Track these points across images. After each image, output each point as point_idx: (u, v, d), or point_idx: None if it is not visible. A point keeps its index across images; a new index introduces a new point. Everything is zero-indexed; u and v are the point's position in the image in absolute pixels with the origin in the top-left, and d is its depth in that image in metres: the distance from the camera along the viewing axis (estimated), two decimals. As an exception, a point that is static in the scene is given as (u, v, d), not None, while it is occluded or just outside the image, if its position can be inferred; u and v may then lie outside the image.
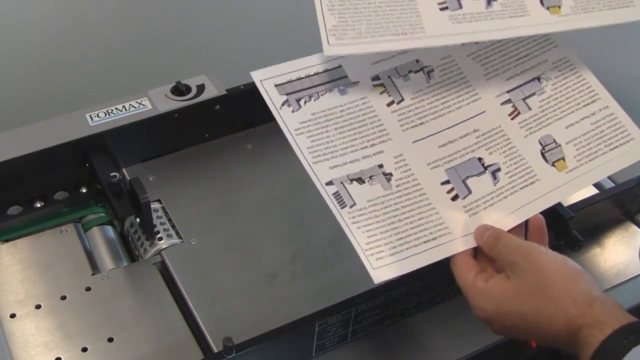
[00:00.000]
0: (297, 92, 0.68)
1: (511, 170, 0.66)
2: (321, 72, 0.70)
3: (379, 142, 0.68)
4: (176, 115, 0.86)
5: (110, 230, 0.84)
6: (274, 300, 0.75)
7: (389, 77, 0.70)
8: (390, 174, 0.66)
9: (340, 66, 0.70)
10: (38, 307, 0.74)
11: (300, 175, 0.88)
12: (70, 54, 1.19)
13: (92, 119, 0.83)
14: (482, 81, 0.70)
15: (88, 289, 0.76)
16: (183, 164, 0.89)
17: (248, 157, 0.91)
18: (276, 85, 0.69)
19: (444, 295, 0.77)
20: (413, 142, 0.68)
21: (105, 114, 0.84)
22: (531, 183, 0.66)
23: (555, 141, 0.67)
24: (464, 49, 0.71)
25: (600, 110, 0.68)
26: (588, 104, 0.69)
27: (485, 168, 0.67)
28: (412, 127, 0.69)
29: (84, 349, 0.71)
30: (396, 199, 0.65)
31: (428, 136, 0.68)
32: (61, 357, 0.70)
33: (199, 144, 0.91)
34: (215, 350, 0.70)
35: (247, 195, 0.86)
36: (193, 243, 0.81)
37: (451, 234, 0.64)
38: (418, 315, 0.76)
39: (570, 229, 0.75)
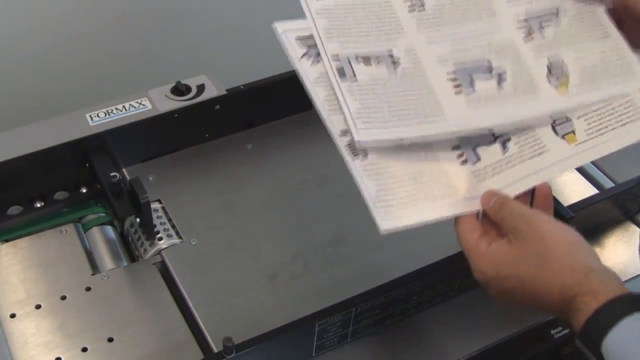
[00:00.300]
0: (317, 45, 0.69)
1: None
2: None
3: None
4: (176, 115, 0.86)
5: (110, 230, 0.84)
6: (274, 300, 0.75)
7: None
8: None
9: None
10: (38, 307, 0.74)
11: (301, 175, 0.89)
12: (71, 54, 1.19)
13: (92, 119, 0.83)
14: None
15: (88, 289, 0.76)
16: (183, 164, 0.89)
17: (248, 157, 0.91)
18: (298, 38, 0.71)
19: (444, 295, 0.77)
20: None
21: (105, 114, 0.84)
22: (540, 154, 0.66)
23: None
24: None
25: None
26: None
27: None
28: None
29: (84, 349, 0.71)
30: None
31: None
32: (61, 357, 0.70)
33: (199, 144, 0.91)
34: (215, 350, 0.70)
35: (247, 195, 0.86)
36: (193, 243, 0.81)
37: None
38: (418, 315, 0.76)
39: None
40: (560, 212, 0.75)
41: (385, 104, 0.65)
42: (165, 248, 0.80)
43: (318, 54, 0.69)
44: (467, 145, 0.67)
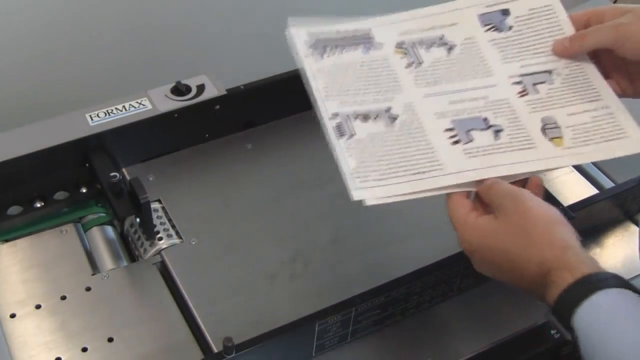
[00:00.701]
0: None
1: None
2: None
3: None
4: (176, 115, 0.86)
5: (110, 230, 0.84)
6: (274, 300, 0.75)
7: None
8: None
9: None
10: (38, 307, 0.74)
11: (301, 175, 0.89)
12: (71, 54, 1.19)
13: (92, 119, 0.83)
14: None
15: (88, 289, 0.76)
16: (183, 164, 0.89)
17: (248, 157, 0.91)
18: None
19: (444, 295, 0.77)
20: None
21: (105, 114, 0.84)
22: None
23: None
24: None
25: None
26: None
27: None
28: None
29: (84, 349, 0.71)
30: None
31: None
32: (61, 357, 0.70)
33: (199, 144, 0.91)
34: (215, 350, 0.70)
35: (247, 195, 0.86)
36: (193, 243, 0.81)
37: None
38: (418, 315, 0.76)
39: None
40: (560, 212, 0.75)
41: (383, 159, 0.67)
42: (165, 248, 0.80)
43: (323, 52, 0.73)
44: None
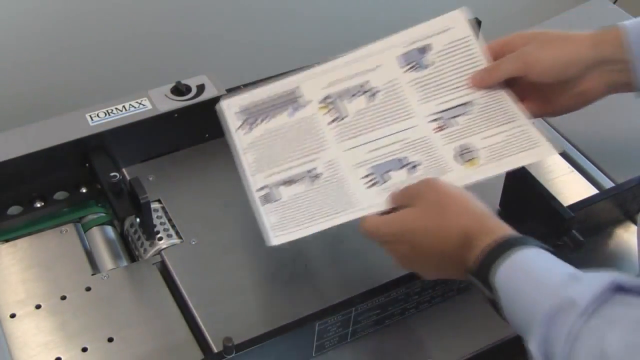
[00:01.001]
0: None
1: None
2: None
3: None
4: (176, 115, 0.86)
5: (110, 230, 0.84)
6: (274, 300, 0.75)
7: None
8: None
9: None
10: (38, 307, 0.74)
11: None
12: (71, 54, 1.19)
13: (92, 119, 0.83)
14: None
15: (88, 289, 0.76)
16: (183, 164, 0.89)
17: (248, 157, 0.91)
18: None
19: (444, 295, 0.77)
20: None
21: (105, 114, 0.84)
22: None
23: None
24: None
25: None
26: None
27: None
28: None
29: (84, 349, 0.71)
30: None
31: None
32: (61, 357, 0.70)
33: (199, 144, 0.91)
34: (215, 350, 0.70)
35: (247, 195, 0.86)
36: (193, 243, 0.81)
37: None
38: (418, 315, 0.76)
39: (570, 229, 0.75)
40: (560, 212, 0.75)
41: (302, 212, 0.72)
42: (165, 248, 0.80)
43: (252, 124, 0.78)
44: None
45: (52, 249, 0.79)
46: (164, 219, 0.83)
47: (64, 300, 0.75)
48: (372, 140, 0.77)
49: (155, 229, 0.81)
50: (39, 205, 0.82)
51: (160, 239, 0.80)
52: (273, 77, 0.91)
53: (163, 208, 0.84)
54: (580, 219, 0.76)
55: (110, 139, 0.83)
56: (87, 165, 0.83)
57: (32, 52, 1.16)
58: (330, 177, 0.75)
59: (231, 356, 0.64)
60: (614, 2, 1.38)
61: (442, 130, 0.77)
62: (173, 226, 0.82)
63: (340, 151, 0.77)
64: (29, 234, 0.81)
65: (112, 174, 0.79)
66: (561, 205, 0.77)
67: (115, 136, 0.83)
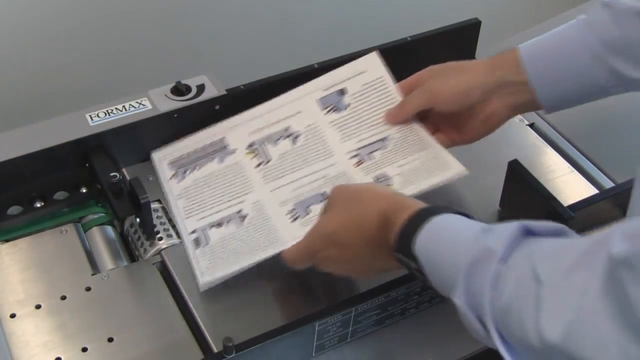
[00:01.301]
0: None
1: None
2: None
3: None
4: (176, 115, 0.86)
5: (110, 230, 0.84)
6: (274, 300, 0.75)
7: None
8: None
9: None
10: (38, 307, 0.74)
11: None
12: (71, 54, 1.19)
13: (92, 119, 0.83)
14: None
15: (88, 289, 0.76)
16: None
17: (248, 157, 0.91)
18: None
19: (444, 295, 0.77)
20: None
21: (105, 114, 0.84)
22: None
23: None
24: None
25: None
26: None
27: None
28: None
29: (84, 349, 0.71)
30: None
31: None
32: (61, 357, 0.70)
33: (199, 144, 0.91)
34: (215, 350, 0.70)
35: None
36: (193, 243, 0.81)
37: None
38: (418, 315, 0.76)
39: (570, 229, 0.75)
40: (560, 212, 0.75)
41: (230, 253, 0.76)
42: (165, 248, 0.80)
43: (184, 173, 0.83)
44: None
45: (52, 249, 0.79)
46: (164, 219, 0.83)
47: (64, 300, 0.75)
48: (296, 180, 0.81)
49: (155, 229, 0.81)
50: (39, 205, 0.82)
51: (160, 239, 0.80)
52: (272, 77, 0.91)
53: (163, 208, 0.84)
54: (580, 219, 0.76)
55: (110, 139, 0.83)
56: (87, 165, 0.83)
57: (32, 52, 1.16)
58: (256, 217, 0.79)
59: (231, 356, 0.65)
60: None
61: (361, 164, 0.82)
62: (173, 226, 0.82)
63: (266, 192, 0.81)
64: (29, 234, 0.81)
65: (112, 174, 0.79)
66: (561, 205, 0.77)
67: (115, 136, 0.83)
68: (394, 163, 0.81)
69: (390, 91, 0.86)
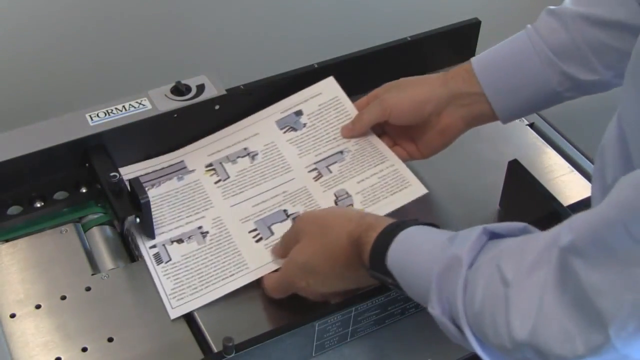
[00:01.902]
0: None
1: None
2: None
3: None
4: (176, 115, 0.86)
5: (110, 230, 0.83)
6: (274, 300, 0.75)
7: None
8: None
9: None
10: (38, 307, 0.74)
11: (300, 175, 0.88)
12: (70, 54, 1.19)
13: (92, 119, 0.83)
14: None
15: (88, 289, 0.76)
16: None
17: (248, 157, 0.91)
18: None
19: (444, 295, 0.77)
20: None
21: (105, 114, 0.84)
22: None
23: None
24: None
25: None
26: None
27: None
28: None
29: (84, 349, 0.71)
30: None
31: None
32: (61, 357, 0.70)
33: (199, 144, 0.91)
34: (215, 350, 0.70)
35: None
36: (193, 243, 0.81)
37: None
38: (418, 315, 0.76)
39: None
40: (560, 212, 0.75)
41: (196, 274, 0.76)
42: (165, 248, 0.79)
43: (152, 185, 0.83)
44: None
45: (52, 249, 0.79)
46: (164, 219, 0.82)
47: (64, 300, 0.75)
48: (256, 195, 0.82)
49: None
50: (39, 205, 0.82)
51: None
52: (272, 77, 0.91)
53: (163, 208, 0.84)
54: (580, 219, 0.76)
55: (110, 139, 0.83)
56: (87, 165, 0.83)
57: (32, 52, 1.16)
58: (218, 234, 0.79)
59: (231, 356, 0.65)
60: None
61: (320, 178, 0.83)
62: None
63: (226, 208, 0.82)
64: (29, 234, 0.81)
65: (112, 174, 0.79)
66: (561, 205, 0.77)
67: (115, 136, 0.83)
68: (352, 178, 0.83)
69: (347, 108, 0.88)
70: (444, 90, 0.81)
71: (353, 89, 0.92)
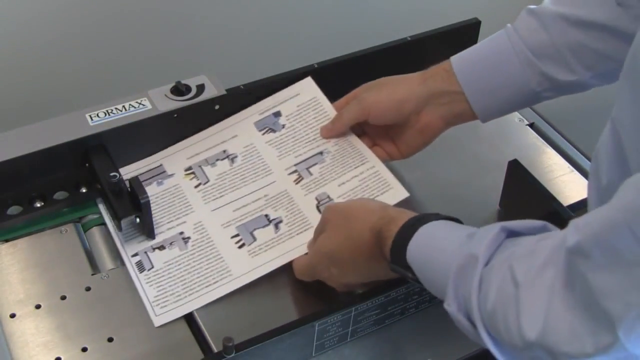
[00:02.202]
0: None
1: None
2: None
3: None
4: (176, 115, 0.86)
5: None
6: (274, 300, 0.75)
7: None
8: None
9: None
10: (38, 307, 0.74)
11: (300, 175, 0.88)
12: (71, 54, 1.19)
13: (92, 119, 0.83)
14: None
15: (88, 289, 0.76)
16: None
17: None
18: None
19: (444, 295, 0.77)
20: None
21: (105, 114, 0.84)
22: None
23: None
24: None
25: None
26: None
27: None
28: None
29: (84, 349, 0.71)
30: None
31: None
32: (61, 357, 0.70)
33: (198, 144, 0.91)
34: (215, 350, 0.70)
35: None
36: (193, 243, 0.81)
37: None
38: (418, 315, 0.76)
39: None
40: (560, 212, 0.75)
41: (179, 281, 0.75)
42: (165, 248, 0.79)
43: (149, 185, 0.83)
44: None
45: (52, 249, 0.79)
46: (164, 219, 0.82)
47: (64, 300, 0.75)
48: (236, 199, 0.82)
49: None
50: (39, 205, 0.82)
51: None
52: (272, 77, 0.91)
53: (163, 208, 0.84)
54: (580, 219, 0.76)
55: (110, 139, 0.83)
56: (87, 165, 0.83)
57: (32, 52, 1.16)
58: (200, 240, 0.79)
59: (231, 356, 0.65)
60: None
61: (300, 181, 0.83)
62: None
63: (207, 212, 0.81)
64: (29, 234, 0.81)
65: (112, 174, 0.79)
66: (561, 205, 0.77)
67: (115, 136, 0.83)
68: (333, 180, 0.82)
69: (325, 109, 0.88)
70: (423, 88, 0.81)
71: (353, 89, 0.92)
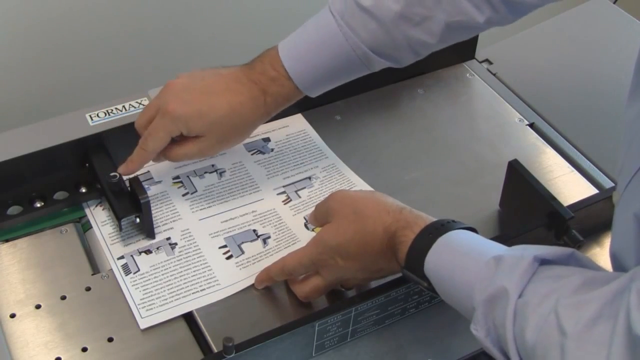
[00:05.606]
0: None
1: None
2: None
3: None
4: (176, 115, 0.86)
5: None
6: (274, 300, 0.75)
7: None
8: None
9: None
10: (38, 307, 0.74)
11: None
12: (71, 53, 1.19)
13: (92, 119, 0.83)
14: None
15: (88, 289, 0.76)
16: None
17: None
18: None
19: (444, 295, 0.77)
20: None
21: (105, 114, 0.84)
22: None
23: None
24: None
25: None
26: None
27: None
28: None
29: (84, 349, 0.71)
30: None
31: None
32: (61, 357, 0.70)
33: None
34: (215, 350, 0.70)
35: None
36: (193, 243, 0.81)
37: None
38: (418, 315, 0.76)
39: (570, 229, 0.75)
40: (560, 212, 0.75)
41: (165, 286, 0.75)
42: (165, 248, 0.79)
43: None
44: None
45: (52, 249, 0.79)
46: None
47: (64, 300, 0.75)
48: (225, 211, 0.82)
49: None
50: (39, 205, 0.82)
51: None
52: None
53: (163, 208, 0.84)
54: (580, 219, 0.76)
55: (110, 139, 0.83)
56: (87, 165, 0.83)
57: (32, 52, 1.16)
58: (187, 246, 0.79)
59: (231, 356, 0.64)
60: (614, 2, 1.38)
61: (289, 202, 0.84)
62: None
63: (195, 221, 0.81)
64: (29, 234, 0.81)
65: (112, 174, 0.79)
66: (561, 205, 0.77)
67: (115, 136, 0.83)
68: None
69: (314, 139, 0.90)
70: (264, 112, 0.79)
71: (352, 89, 0.92)
